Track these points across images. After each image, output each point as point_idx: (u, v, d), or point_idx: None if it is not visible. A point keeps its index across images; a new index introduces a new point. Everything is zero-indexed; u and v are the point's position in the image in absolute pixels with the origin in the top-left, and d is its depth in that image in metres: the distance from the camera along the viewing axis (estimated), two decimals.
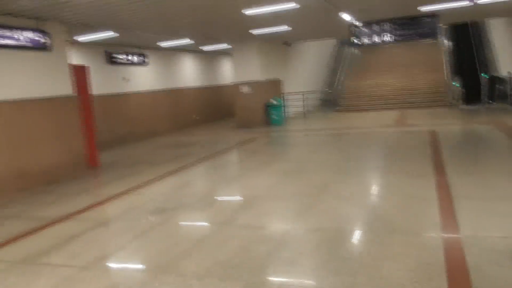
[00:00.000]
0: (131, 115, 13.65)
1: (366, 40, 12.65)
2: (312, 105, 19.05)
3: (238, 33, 12.78)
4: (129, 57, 13.62)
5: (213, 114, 18.29)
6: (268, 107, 14.85)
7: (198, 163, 8.86)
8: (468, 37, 21.12)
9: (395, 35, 12.26)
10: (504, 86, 14.65)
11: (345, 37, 13.43)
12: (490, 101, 14.68)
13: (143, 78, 14.30)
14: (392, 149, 8.78)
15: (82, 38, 10.88)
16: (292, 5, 8.59)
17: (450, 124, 11.72)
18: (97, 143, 9.54)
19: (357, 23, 12.56)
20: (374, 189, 6.03)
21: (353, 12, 10.78)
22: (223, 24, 10.88)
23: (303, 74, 18.96)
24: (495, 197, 4.98)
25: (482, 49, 19.60)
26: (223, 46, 15.54)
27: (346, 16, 11.13)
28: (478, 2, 10.58)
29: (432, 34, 12.05)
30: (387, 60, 20.79)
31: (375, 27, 12.47)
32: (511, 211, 4.45)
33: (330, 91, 18.68)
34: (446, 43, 19.34)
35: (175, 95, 15.81)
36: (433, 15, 11.73)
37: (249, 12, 8.92)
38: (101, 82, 12.33)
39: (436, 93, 16.50)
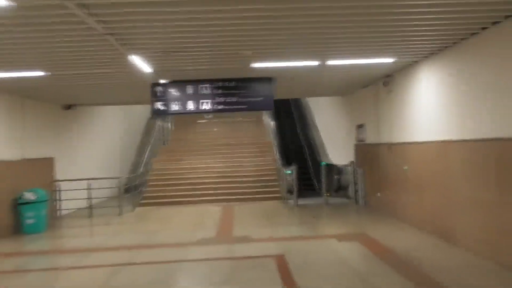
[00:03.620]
0: None
1: (176, 107, 8.45)
2: (108, 196, 13.67)
3: None
4: None
5: None
6: (20, 204, 9.02)
7: None
8: (291, 118, 19.24)
9: (219, 103, 8.38)
10: (343, 177, 12.13)
11: (148, 102, 9.01)
12: (327, 194, 11.85)
13: None
14: None
15: None
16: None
17: (297, 238, 7.82)
18: None
19: (163, 81, 8.35)
20: None
21: (152, 58, 6.49)
22: None
23: (95, 152, 13.67)
24: None
25: (307, 132, 17.73)
26: None
27: (142, 65, 6.75)
28: (327, 63, 7.56)
29: (267, 104, 8.58)
30: (207, 138, 17.15)
31: (190, 89, 8.43)
32: None
33: (131, 176, 13.80)
34: (271, 122, 16.80)
35: None
36: (268, 78, 8.35)
37: None
38: None
39: (266, 182, 13.22)
